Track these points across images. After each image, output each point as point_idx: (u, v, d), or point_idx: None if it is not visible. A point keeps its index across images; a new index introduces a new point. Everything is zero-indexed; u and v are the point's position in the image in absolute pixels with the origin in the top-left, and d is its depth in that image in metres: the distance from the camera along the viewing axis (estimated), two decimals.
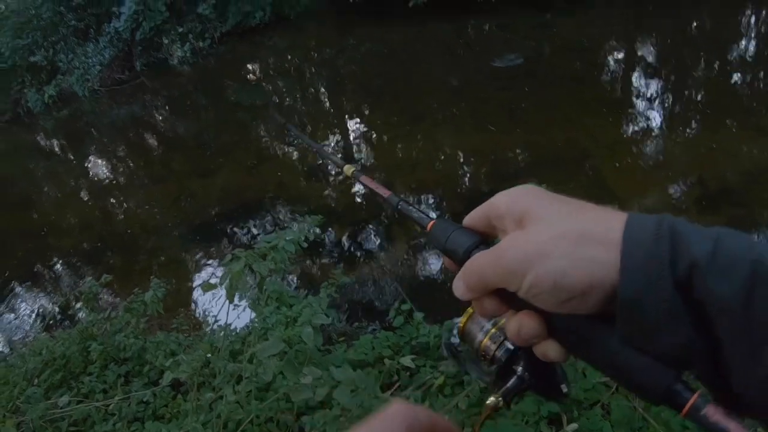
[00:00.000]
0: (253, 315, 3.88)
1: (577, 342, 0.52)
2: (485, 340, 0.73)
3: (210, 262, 5.30)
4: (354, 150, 6.74)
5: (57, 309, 5.28)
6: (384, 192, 0.87)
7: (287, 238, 3.14)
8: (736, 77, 6.62)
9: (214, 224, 5.77)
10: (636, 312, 0.46)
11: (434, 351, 3.56)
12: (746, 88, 6.42)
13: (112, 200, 6.95)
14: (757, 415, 0.46)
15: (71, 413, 3.17)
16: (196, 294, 4.92)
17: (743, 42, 7.57)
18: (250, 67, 10.15)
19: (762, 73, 6.58)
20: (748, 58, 6.98)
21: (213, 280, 3.71)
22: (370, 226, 5.37)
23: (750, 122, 5.57)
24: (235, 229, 5.70)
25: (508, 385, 0.70)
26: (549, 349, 0.53)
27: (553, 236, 0.49)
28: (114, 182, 7.42)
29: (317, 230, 3.40)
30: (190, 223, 5.89)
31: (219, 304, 4.53)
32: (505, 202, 0.56)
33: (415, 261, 4.76)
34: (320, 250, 5.16)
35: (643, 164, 5.34)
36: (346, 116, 7.68)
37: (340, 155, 6.65)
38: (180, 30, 11.10)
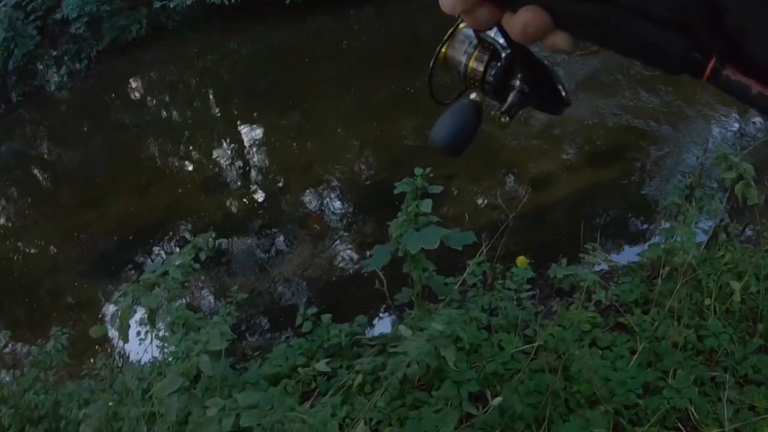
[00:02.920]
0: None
1: (586, 24, 0.50)
2: (471, 62, 0.70)
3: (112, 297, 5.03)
4: (247, 155, 6.58)
5: None
6: None
7: (176, 264, 3.01)
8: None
9: (113, 255, 5.51)
10: None
11: (348, 350, 3.49)
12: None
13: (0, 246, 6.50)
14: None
15: None
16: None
17: None
18: (132, 84, 9.76)
19: None
20: None
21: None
22: (274, 231, 5.26)
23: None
24: (136, 258, 5.45)
25: (510, 100, 0.68)
26: (558, 40, 0.51)
27: None
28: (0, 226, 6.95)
29: (208, 248, 3.24)
30: (87, 258, 5.60)
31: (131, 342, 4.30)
32: None
33: (320, 262, 4.68)
34: (223, 263, 5.00)
35: (531, 133, 5.42)
36: (237, 123, 7.50)
37: (233, 162, 6.48)
38: (54, 53, 10.55)
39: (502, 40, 0.67)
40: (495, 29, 0.60)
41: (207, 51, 9.68)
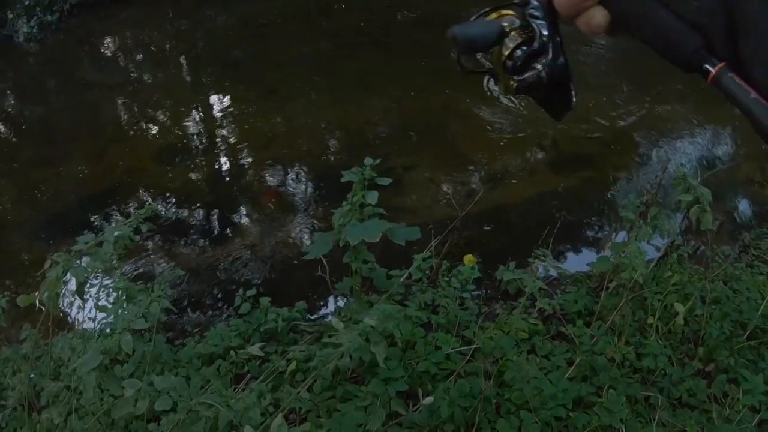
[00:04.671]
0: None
1: (625, 6, 0.57)
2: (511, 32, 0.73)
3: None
4: (210, 126, 6.42)
5: None
6: None
7: (114, 234, 2.89)
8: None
9: (66, 217, 5.31)
10: None
11: (284, 335, 3.40)
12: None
13: None
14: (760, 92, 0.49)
15: None
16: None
17: None
18: (103, 42, 9.45)
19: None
20: None
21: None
22: (227, 206, 5.15)
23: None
24: (88, 220, 5.27)
25: (527, 75, 0.73)
26: (596, 14, 0.58)
27: None
28: None
29: (149, 221, 3.12)
30: (38, 218, 5.40)
31: (70, 307, 4.16)
32: None
33: (269, 242, 4.57)
34: (172, 233, 4.87)
35: (498, 132, 5.36)
36: (203, 92, 7.32)
37: (195, 132, 6.32)
38: (26, 3, 10.14)
39: (545, 32, 0.72)
40: (542, 20, 0.70)
41: (181, 16, 9.44)
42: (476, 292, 3.63)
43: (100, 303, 3.98)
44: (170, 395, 2.27)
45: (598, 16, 0.58)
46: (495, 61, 0.77)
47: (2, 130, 7.69)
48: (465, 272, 3.50)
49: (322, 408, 2.96)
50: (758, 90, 0.49)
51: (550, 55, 0.72)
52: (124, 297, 3.64)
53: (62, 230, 5.13)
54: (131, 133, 6.64)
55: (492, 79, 0.80)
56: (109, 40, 9.49)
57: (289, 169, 5.35)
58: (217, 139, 6.16)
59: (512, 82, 0.75)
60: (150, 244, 4.78)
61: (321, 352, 2.80)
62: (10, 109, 8.16)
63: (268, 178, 5.35)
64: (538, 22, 0.72)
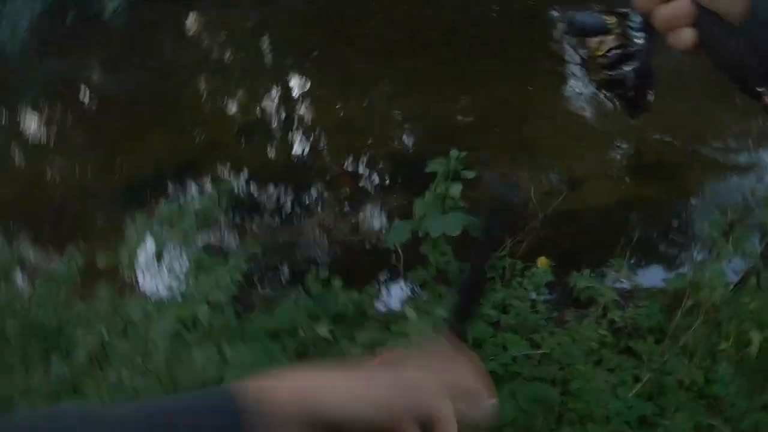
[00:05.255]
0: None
1: (711, 32, 0.66)
2: (595, 45, 0.87)
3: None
4: (288, 108, 6.52)
5: None
6: None
7: (197, 205, 2.99)
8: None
9: (145, 187, 5.48)
10: (758, 13, 0.62)
11: (353, 319, 3.44)
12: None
13: (39, 165, 6.51)
14: None
15: None
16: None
17: None
18: (186, 22, 9.66)
19: None
20: None
21: None
22: (303, 186, 5.23)
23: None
24: (167, 191, 5.44)
25: (614, 73, 0.85)
26: (687, 35, 0.67)
27: None
28: (41, 145, 6.97)
29: (229, 195, 3.20)
30: (118, 187, 5.60)
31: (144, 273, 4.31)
32: None
33: (342, 225, 4.63)
34: (248, 210, 4.99)
35: (579, 134, 5.25)
36: (283, 75, 7.41)
37: (274, 113, 6.43)
38: None
39: (639, 42, 0.82)
40: (639, 32, 0.80)
41: (262, 3, 9.58)
42: (547, 297, 3.60)
43: (174, 272, 4.15)
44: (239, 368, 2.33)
45: (687, 36, 0.67)
46: (591, 53, 0.89)
47: (89, 104, 7.97)
48: (538, 275, 3.48)
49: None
50: None
51: (639, 62, 0.82)
52: (198, 267, 3.77)
53: (141, 200, 5.31)
54: (212, 110, 6.79)
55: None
56: (192, 20, 9.69)
57: (365, 156, 5.39)
58: (295, 121, 6.24)
59: (601, 75, 0.87)
60: (226, 218, 4.90)
61: (389, 342, 2.84)
62: (97, 84, 8.45)
63: (344, 162, 5.41)
64: (635, 33, 0.82)
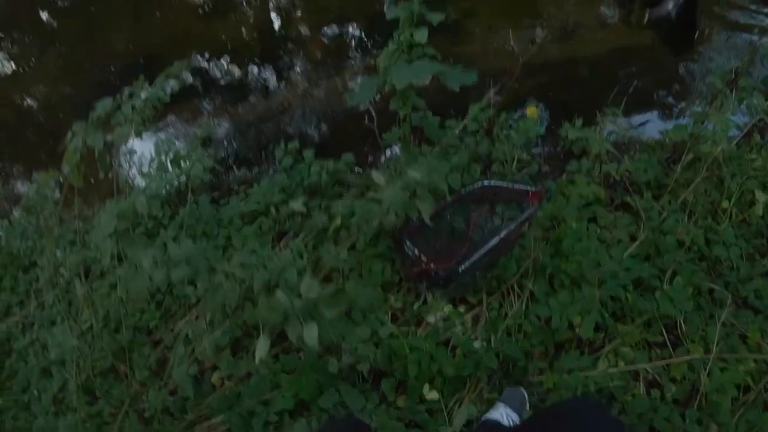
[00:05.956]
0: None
1: None
2: None
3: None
4: None
5: None
6: None
7: (142, 95, 2.69)
8: None
9: (109, 89, 5.04)
10: None
11: (329, 189, 3.23)
12: None
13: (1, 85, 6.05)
14: None
15: None
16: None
17: None
18: None
19: None
20: None
21: None
22: (274, 56, 4.84)
23: None
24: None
25: (657, 9, 1.18)
26: None
27: None
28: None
29: (182, 77, 2.89)
30: (81, 93, 5.20)
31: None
32: None
33: (318, 93, 4.31)
34: (218, 87, 4.68)
35: None
36: None
37: None
38: None
39: None
40: None
41: None
42: (537, 149, 3.36)
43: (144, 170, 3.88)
44: (189, 264, 2.12)
45: None
46: None
47: (40, 10, 7.29)
48: (527, 125, 3.21)
49: (365, 266, 2.84)
50: None
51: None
52: (169, 160, 3.50)
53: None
54: None
55: None
56: None
57: (338, 13, 4.93)
58: None
59: (645, 14, 0.97)
60: (198, 101, 4.59)
61: (361, 210, 2.62)
62: None
63: (316, 25, 4.97)
64: None
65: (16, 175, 4.94)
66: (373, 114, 3.13)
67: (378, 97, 2.99)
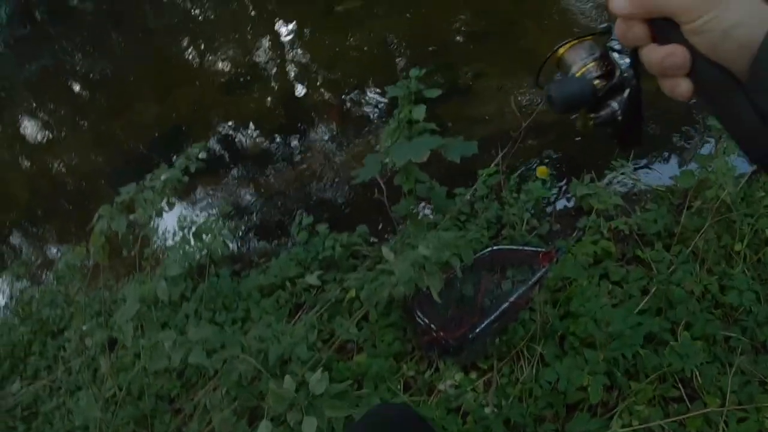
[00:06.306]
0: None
1: (710, 87, 0.56)
2: (578, 74, 0.78)
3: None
4: (275, 51, 6.24)
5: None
6: None
7: (162, 177, 2.85)
8: None
9: (140, 163, 5.31)
10: (762, 71, 0.52)
11: (343, 262, 3.28)
12: None
13: (36, 159, 6.41)
14: None
15: (21, 399, 3.12)
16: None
17: None
18: None
19: None
20: None
21: None
22: (292, 131, 5.02)
23: None
24: (161, 162, 5.30)
25: (603, 114, 0.78)
26: (682, 86, 0.58)
27: None
28: (35, 140, 6.83)
29: (202, 156, 3.08)
30: (113, 166, 5.51)
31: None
32: None
33: (335, 166, 4.42)
34: (239, 162, 4.85)
35: (577, 31, 4.83)
36: (262, 19, 7.12)
37: (257, 60, 6.14)
38: None
39: (624, 66, 0.74)
40: (621, 55, 0.72)
41: None
42: (549, 208, 3.35)
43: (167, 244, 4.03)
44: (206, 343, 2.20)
45: (684, 87, 0.59)
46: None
47: (73, 89, 7.78)
48: (535, 186, 3.22)
49: (378, 336, 2.85)
50: None
51: (627, 92, 0.73)
52: (191, 233, 3.64)
53: (138, 175, 5.20)
54: (196, 70, 6.59)
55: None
56: None
57: (354, 87, 5.11)
58: (280, 64, 6.02)
59: (590, 120, 0.79)
60: (222, 172, 4.77)
61: (371, 284, 2.67)
62: (77, 69, 8.22)
63: (333, 97, 5.16)
64: (619, 55, 0.74)
65: (49, 240, 5.17)
66: (383, 186, 3.20)
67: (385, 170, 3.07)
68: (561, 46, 0.82)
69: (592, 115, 0.80)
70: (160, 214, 2.87)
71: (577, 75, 0.80)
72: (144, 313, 2.37)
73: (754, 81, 0.53)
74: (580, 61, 0.80)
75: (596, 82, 0.78)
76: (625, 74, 0.75)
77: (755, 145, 0.54)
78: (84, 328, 2.89)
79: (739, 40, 0.53)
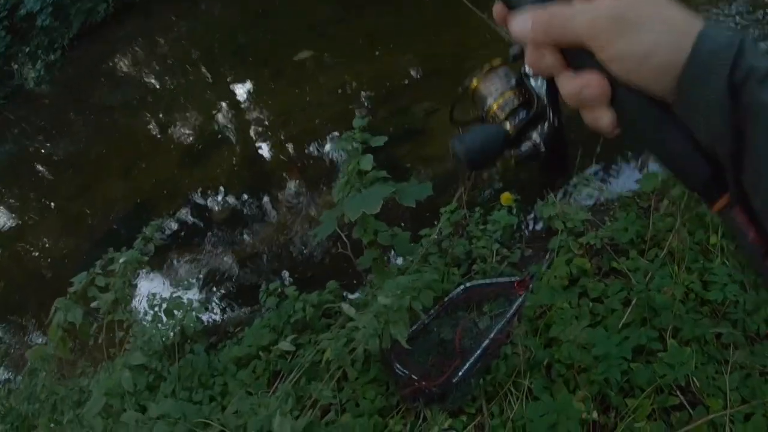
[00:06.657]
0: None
1: (634, 115, 0.51)
2: (496, 103, 0.72)
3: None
4: (229, 116, 6.24)
5: None
6: None
7: (121, 260, 2.78)
8: None
9: (107, 241, 5.22)
10: (688, 94, 0.47)
11: (316, 322, 3.15)
12: None
13: (6, 247, 6.32)
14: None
15: None
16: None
17: None
18: (110, 64, 9.37)
19: None
20: None
21: None
22: (254, 195, 4.97)
23: None
24: (129, 238, 5.21)
25: (524, 149, 0.72)
26: (604, 117, 0.52)
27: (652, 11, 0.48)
28: (8, 228, 6.76)
29: (158, 236, 2.98)
30: (82, 247, 5.48)
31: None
32: None
33: (298, 226, 4.32)
34: (203, 232, 4.76)
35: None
36: (216, 85, 7.18)
37: (212, 129, 6.14)
38: (27, 50, 10.20)
39: (542, 94, 0.68)
40: (540, 82, 0.65)
41: (180, 16, 9.24)
42: (518, 234, 3.25)
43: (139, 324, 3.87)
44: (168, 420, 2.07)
45: (606, 119, 0.52)
46: (492, 116, 0.74)
47: (37, 172, 7.76)
48: (500, 215, 3.12)
49: (360, 394, 2.70)
50: (756, 225, 0.47)
51: (548, 122, 0.68)
52: (162, 311, 3.51)
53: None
54: (158, 141, 6.58)
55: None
56: (115, 60, 9.44)
57: (312, 140, 5.09)
58: (238, 128, 6.04)
59: (511, 158, 0.71)
60: (190, 247, 4.67)
61: (338, 343, 2.53)
62: (38, 152, 8.23)
63: (292, 154, 5.13)
64: (535, 82, 0.69)
65: (26, 327, 5.01)
66: (345, 240, 3.10)
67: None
68: (474, 78, 0.76)
69: (512, 152, 0.72)
70: (124, 298, 2.79)
71: (494, 108, 0.73)
72: (111, 405, 2.26)
73: (684, 104, 0.48)
74: (496, 92, 0.74)
75: (506, 123, 0.71)
76: (545, 101, 0.68)
77: (691, 171, 0.50)
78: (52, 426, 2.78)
79: (658, 64, 0.48)
